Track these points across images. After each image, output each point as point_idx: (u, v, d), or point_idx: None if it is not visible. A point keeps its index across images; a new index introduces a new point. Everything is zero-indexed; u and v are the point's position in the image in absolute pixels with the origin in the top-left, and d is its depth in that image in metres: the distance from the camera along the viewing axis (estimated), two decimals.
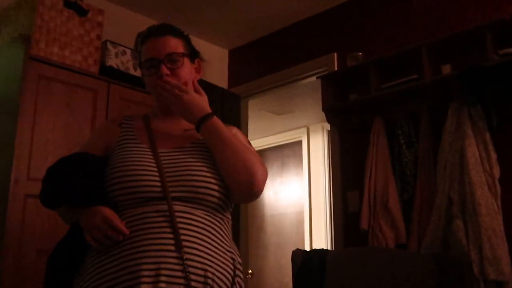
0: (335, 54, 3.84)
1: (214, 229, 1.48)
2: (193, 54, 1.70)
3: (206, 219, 1.47)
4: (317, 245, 5.92)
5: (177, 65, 1.60)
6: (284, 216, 6.69)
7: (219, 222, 1.51)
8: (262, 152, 7.00)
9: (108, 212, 1.40)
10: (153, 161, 1.49)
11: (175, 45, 1.63)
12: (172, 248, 1.37)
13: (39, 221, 2.66)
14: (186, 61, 1.64)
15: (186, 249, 1.38)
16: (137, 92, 3.25)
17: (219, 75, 4.54)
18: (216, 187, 1.49)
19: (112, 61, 3.22)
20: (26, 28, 2.89)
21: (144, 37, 1.66)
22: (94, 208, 1.42)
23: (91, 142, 1.66)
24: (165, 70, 1.58)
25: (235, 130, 1.70)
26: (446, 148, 2.88)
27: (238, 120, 4.10)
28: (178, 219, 1.42)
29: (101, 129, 1.72)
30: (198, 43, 1.78)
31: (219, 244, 1.47)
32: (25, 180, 2.68)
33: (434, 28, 3.29)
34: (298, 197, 6.62)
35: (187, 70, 1.63)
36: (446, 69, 3.04)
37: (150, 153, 1.52)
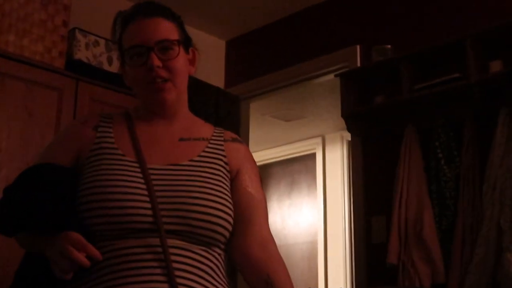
0: (358, 47, 3.83)
1: (212, 269, 1.46)
2: (188, 42, 1.66)
3: (205, 257, 1.45)
4: (333, 284, 5.90)
5: (171, 55, 1.56)
6: (293, 247, 6.66)
7: (217, 259, 1.50)
8: (266, 168, 6.99)
9: (75, 235, 1.35)
10: (142, 181, 1.45)
11: (169, 29, 1.59)
12: None
13: None
14: (181, 51, 1.60)
15: None
16: (112, 92, 3.26)
17: (213, 72, 4.54)
18: (221, 222, 1.48)
19: (81, 54, 3.23)
20: None
21: (129, 17, 1.61)
22: (60, 234, 1.37)
23: (57, 149, 1.60)
24: (156, 61, 1.53)
25: (243, 150, 1.68)
26: (496, 164, 2.87)
27: (236, 127, 4.09)
28: (172, 257, 1.39)
29: (70, 131, 1.65)
30: (188, 31, 1.75)
31: None
32: None
33: (481, 16, 3.28)
34: (310, 224, 6.60)
35: (182, 62, 1.59)
36: (496, 66, 3.03)
37: (138, 169, 1.48)
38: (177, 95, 1.59)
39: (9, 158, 2.84)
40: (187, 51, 1.65)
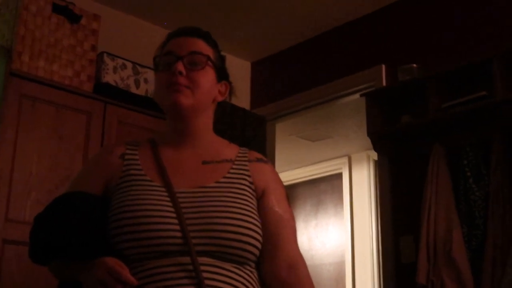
0: (383, 66, 3.83)
1: (245, 285, 1.48)
2: (222, 73, 1.72)
3: (237, 274, 1.47)
4: None
5: (197, 68, 1.61)
6: (321, 268, 6.62)
7: (249, 276, 1.51)
8: (293, 188, 6.98)
9: (112, 262, 1.39)
10: (170, 204, 1.48)
11: (203, 47, 1.65)
12: None
13: (18, 272, 2.68)
14: (210, 71, 1.65)
15: None
16: (139, 114, 3.29)
17: (239, 93, 4.49)
18: (250, 240, 1.49)
19: (109, 77, 3.27)
20: (6, 38, 2.96)
21: (173, 35, 1.69)
22: (95, 261, 1.41)
23: (86, 178, 1.65)
24: (180, 67, 1.58)
25: (268, 170, 1.69)
26: None
27: (263, 147, 4.10)
28: (204, 275, 1.41)
29: (97, 160, 1.69)
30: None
31: None
32: (3, 222, 2.71)
33: (508, 36, 3.27)
34: (337, 244, 6.56)
35: (208, 79, 1.64)
36: None
37: (165, 193, 1.51)
38: (194, 105, 1.61)
39: (39, 181, 2.88)
40: (219, 80, 1.69)
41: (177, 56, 1.60)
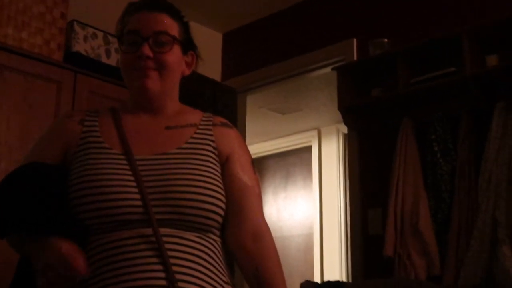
0: (355, 40, 3.85)
1: (207, 254, 1.47)
2: (188, 45, 1.69)
3: (199, 243, 1.46)
4: (330, 276, 5.92)
5: (164, 49, 1.58)
6: (289, 240, 6.69)
7: (213, 245, 1.50)
8: (262, 160, 7.02)
9: (65, 247, 1.38)
10: (129, 173, 1.46)
11: (169, 25, 1.62)
12: (164, 283, 1.36)
13: None
14: (176, 48, 1.62)
15: (180, 284, 1.37)
16: (110, 84, 3.26)
17: (210, 65, 4.54)
18: (212, 208, 1.48)
19: (79, 46, 3.23)
20: None
21: (135, 8, 1.64)
22: (49, 242, 1.39)
23: (45, 146, 1.62)
24: (147, 51, 1.55)
25: (233, 135, 1.68)
26: (491, 158, 2.90)
27: (233, 119, 4.11)
28: (166, 245, 1.40)
29: (57, 127, 1.65)
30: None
31: (217, 276, 1.47)
32: None
33: (477, 12, 3.30)
34: (306, 216, 6.63)
35: (174, 58, 1.61)
36: (492, 60, 3.05)
37: (124, 161, 1.49)
38: (162, 88, 1.60)
39: (9, 150, 2.85)
40: (185, 52, 1.67)
41: (142, 37, 1.57)
